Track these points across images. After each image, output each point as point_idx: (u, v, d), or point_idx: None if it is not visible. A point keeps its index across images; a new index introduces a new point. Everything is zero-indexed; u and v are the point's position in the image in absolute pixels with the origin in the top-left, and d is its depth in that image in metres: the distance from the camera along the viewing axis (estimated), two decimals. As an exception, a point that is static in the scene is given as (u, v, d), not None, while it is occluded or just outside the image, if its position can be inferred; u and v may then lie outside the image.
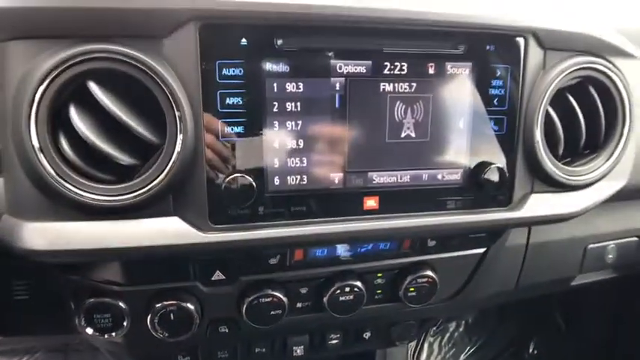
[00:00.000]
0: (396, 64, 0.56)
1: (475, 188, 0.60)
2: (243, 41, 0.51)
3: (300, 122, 0.54)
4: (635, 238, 0.83)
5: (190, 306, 0.63)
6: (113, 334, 0.64)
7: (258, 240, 0.54)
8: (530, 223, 0.66)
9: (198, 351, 0.74)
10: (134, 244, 0.51)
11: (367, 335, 0.80)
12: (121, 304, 0.62)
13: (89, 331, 0.63)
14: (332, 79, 0.54)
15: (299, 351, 0.77)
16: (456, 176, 0.60)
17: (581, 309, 1.33)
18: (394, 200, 0.58)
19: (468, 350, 1.45)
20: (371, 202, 0.58)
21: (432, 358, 1.42)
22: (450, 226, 0.60)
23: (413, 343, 1.36)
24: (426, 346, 1.42)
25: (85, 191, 0.48)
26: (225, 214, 0.53)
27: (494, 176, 0.60)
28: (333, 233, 0.56)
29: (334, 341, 0.78)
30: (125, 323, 0.63)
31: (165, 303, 0.62)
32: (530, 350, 1.42)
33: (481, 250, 0.73)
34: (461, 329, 1.45)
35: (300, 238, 0.56)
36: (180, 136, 0.49)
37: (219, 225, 0.53)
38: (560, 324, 1.39)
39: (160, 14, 0.48)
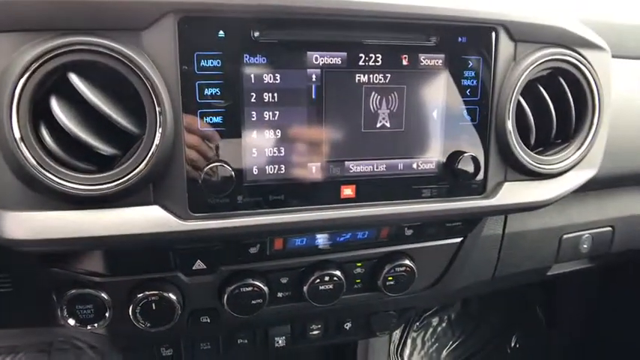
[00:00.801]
0: (371, 55, 0.57)
1: (449, 177, 0.62)
2: (221, 33, 0.52)
3: (277, 113, 0.55)
4: (609, 228, 0.85)
5: (172, 296, 0.64)
6: (95, 324, 0.65)
7: (237, 228, 0.55)
8: (504, 211, 0.68)
9: (180, 343, 0.75)
10: (115, 233, 0.52)
11: (348, 326, 0.81)
12: (102, 294, 0.63)
13: (71, 322, 0.64)
14: (308, 70, 0.55)
15: (280, 342, 0.78)
16: (430, 165, 0.61)
17: (561, 303, 1.35)
18: (371, 189, 0.60)
19: (451, 345, 1.47)
20: (348, 191, 0.59)
21: (416, 353, 1.44)
22: (426, 213, 0.62)
23: (396, 338, 1.37)
24: (409, 341, 1.44)
25: (65, 181, 0.49)
26: (205, 203, 0.54)
27: (467, 165, 0.62)
28: (310, 221, 0.58)
29: (315, 332, 0.79)
30: (107, 314, 0.64)
31: (147, 293, 0.63)
32: (513, 344, 1.45)
33: (457, 240, 0.74)
34: (444, 324, 1.47)
35: (278, 226, 0.57)
36: (159, 127, 0.50)
37: (198, 214, 0.54)
38: (540, 318, 1.42)
39: (140, 7, 0.49)
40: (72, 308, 0.64)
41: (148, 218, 0.53)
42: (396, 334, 1.34)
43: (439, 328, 1.47)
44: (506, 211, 0.68)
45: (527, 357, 1.39)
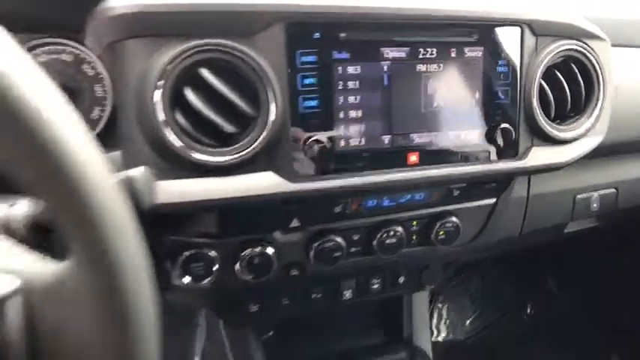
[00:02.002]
0: (427, 49, 0.73)
1: (490, 144, 0.78)
2: (316, 35, 0.68)
3: (358, 97, 0.71)
4: (614, 190, 1.01)
5: (270, 252, 0.78)
6: (205, 281, 0.79)
7: (329, 188, 0.70)
8: (532, 171, 0.83)
9: (264, 299, 0.90)
10: (239, 194, 0.67)
11: (402, 280, 0.96)
12: (212, 253, 0.77)
13: (185, 280, 0.78)
14: (381, 62, 0.71)
15: (347, 294, 0.93)
16: (474, 135, 0.77)
17: (569, 270, 1.51)
18: (430, 155, 0.75)
19: (472, 315, 1.63)
20: (413, 158, 0.75)
21: (442, 323, 1.60)
22: (473, 174, 0.77)
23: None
24: (435, 312, 1.60)
25: (199, 153, 0.64)
26: (307, 168, 0.70)
27: (503, 134, 0.77)
28: (386, 182, 0.73)
29: (375, 285, 0.95)
30: (215, 269, 0.78)
31: (252, 250, 0.78)
32: (528, 311, 1.60)
33: (492, 201, 0.90)
34: (465, 298, 1.63)
35: (361, 186, 0.72)
36: (271, 110, 0.66)
37: (301, 177, 0.69)
38: (551, 286, 1.57)
39: (255, 16, 0.65)
40: (185, 268, 0.78)
41: (264, 182, 0.68)
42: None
43: (461, 301, 1.62)
44: (534, 171, 0.83)
45: (542, 323, 1.54)
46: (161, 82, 0.62)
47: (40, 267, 0.40)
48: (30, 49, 0.77)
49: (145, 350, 0.39)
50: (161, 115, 0.62)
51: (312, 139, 0.69)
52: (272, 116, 0.66)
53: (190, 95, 0.63)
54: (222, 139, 0.66)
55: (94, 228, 0.36)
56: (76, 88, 0.80)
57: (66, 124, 0.36)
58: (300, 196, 0.70)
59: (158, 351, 0.41)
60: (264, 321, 0.92)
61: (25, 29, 0.76)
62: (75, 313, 0.38)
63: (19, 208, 0.50)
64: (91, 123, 0.81)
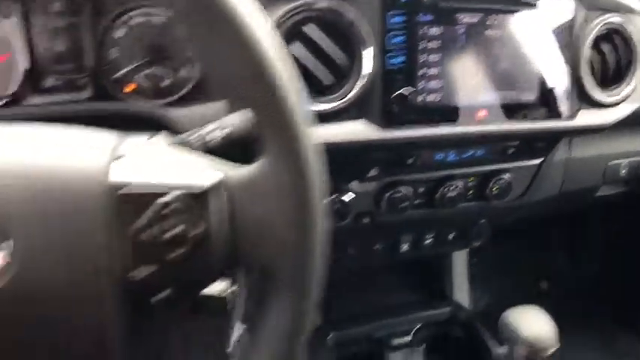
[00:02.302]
0: (496, 16, 0.82)
1: (545, 104, 0.87)
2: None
3: (437, 56, 0.79)
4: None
5: (347, 199, 0.86)
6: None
7: (414, 137, 0.79)
8: (580, 130, 0.93)
9: (334, 248, 0.97)
10: (337, 140, 0.75)
11: (451, 236, 1.05)
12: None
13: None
14: (457, 26, 0.80)
15: (405, 247, 1.01)
16: (533, 96, 0.86)
17: (581, 245, 1.61)
18: (495, 112, 0.84)
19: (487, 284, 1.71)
20: (481, 113, 0.83)
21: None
22: (530, 130, 0.86)
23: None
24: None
25: None
26: (395, 118, 0.78)
27: (557, 96, 0.87)
28: (457, 134, 0.82)
29: (428, 241, 1.03)
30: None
31: (331, 197, 0.85)
32: (543, 287, 1.69)
33: (539, 161, 0.99)
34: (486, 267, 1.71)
35: (438, 136, 0.81)
36: (365, 65, 0.74)
37: (390, 126, 0.77)
38: (564, 261, 1.67)
39: None
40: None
41: (357, 129, 0.76)
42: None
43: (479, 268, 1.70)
44: (582, 130, 0.92)
45: (557, 296, 1.63)
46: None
47: (236, 169, 0.47)
48: (126, 11, 0.84)
49: (319, 235, 0.47)
50: None
51: (399, 92, 0.77)
52: (365, 70, 0.74)
53: (297, 50, 0.71)
54: (321, 91, 0.74)
55: (289, 127, 0.43)
56: (165, 49, 0.86)
57: (266, 34, 0.43)
58: (386, 143, 0.78)
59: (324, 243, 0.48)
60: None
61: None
62: (269, 206, 0.44)
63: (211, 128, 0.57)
64: (180, 81, 0.88)
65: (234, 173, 0.45)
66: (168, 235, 0.41)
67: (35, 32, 0.79)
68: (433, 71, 0.79)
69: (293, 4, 0.70)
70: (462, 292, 1.21)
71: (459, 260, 1.22)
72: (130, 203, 0.41)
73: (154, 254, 0.42)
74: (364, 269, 1.16)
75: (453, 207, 0.93)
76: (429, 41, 0.78)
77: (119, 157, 0.43)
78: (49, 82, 0.81)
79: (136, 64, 0.84)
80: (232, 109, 0.47)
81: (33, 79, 0.80)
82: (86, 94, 0.81)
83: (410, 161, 0.87)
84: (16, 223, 0.38)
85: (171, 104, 0.82)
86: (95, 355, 0.42)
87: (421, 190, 0.92)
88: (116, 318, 0.41)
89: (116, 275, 0.41)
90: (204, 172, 0.44)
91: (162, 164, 0.44)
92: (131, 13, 0.83)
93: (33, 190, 0.39)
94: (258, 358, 0.47)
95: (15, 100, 0.79)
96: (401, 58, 0.77)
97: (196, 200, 0.43)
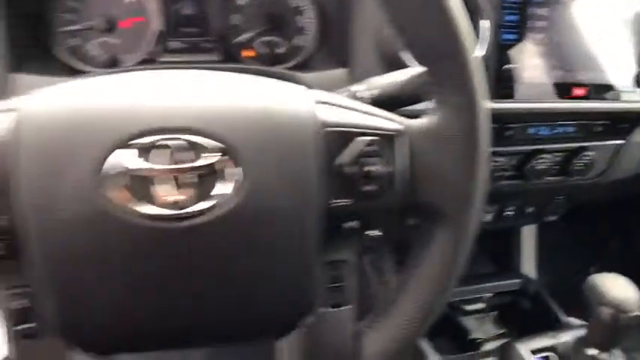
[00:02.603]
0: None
1: (635, 86, 0.92)
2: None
3: (543, 34, 0.84)
4: None
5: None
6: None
7: (519, 109, 0.84)
8: None
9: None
10: None
11: (530, 210, 1.10)
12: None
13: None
14: (561, 6, 0.85)
15: (488, 217, 1.07)
16: (623, 77, 0.91)
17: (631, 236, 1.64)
18: (590, 90, 0.89)
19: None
20: (579, 91, 0.88)
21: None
22: (618, 109, 0.91)
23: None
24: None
25: None
26: (501, 91, 0.83)
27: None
28: (555, 108, 0.87)
29: (509, 213, 1.08)
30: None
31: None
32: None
33: (621, 141, 1.04)
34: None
35: (536, 109, 0.86)
36: (483, 35, 0.79)
37: (498, 97, 0.83)
38: (614, 250, 1.69)
39: None
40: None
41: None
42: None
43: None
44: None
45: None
46: None
47: (414, 120, 0.52)
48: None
49: (483, 182, 0.52)
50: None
51: (507, 66, 0.82)
52: (483, 41, 0.79)
53: None
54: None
55: (470, 86, 0.49)
56: (280, 18, 0.92)
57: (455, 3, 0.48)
58: (493, 114, 0.83)
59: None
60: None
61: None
62: (444, 153, 0.50)
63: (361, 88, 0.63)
64: (293, 49, 0.94)
65: (414, 123, 0.51)
66: (364, 170, 0.47)
67: (167, -3, 0.86)
68: (538, 49, 0.84)
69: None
70: (529, 266, 1.26)
71: (529, 234, 1.28)
72: (336, 140, 0.47)
73: (351, 187, 0.48)
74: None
75: (539, 179, 0.98)
76: (537, 20, 0.83)
77: (320, 102, 0.49)
78: (176, 44, 0.87)
79: (255, 31, 0.90)
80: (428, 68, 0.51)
81: (163, 41, 0.86)
82: (215, 56, 0.88)
83: (508, 133, 0.93)
84: (244, 154, 0.44)
85: (292, 69, 0.88)
86: (296, 260, 0.48)
87: (513, 162, 0.97)
88: (315, 235, 0.48)
89: (320, 201, 0.47)
90: (392, 120, 0.51)
91: (355, 109, 0.50)
92: (254, -18, 0.89)
93: (256, 127, 0.45)
94: (419, 289, 0.54)
95: (151, 59, 0.85)
96: (513, 35, 0.82)
97: (389, 142, 0.49)
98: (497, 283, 1.20)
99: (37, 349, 0.48)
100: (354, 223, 0.50)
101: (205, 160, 0.43)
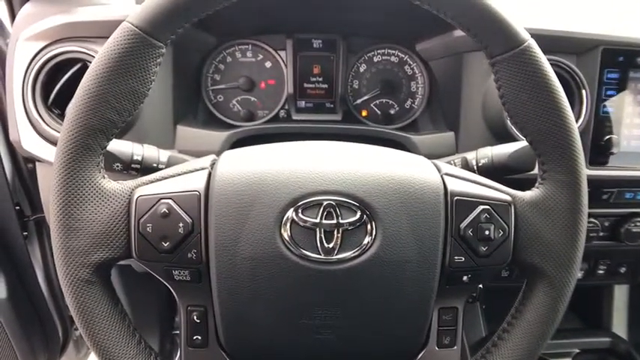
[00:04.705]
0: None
1: None
2: (620, 58, 0.88)
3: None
4: None
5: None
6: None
7: (617, 176, 0.90)
8: None
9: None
10: None
11: (622, 270, 1.13)
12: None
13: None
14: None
15: (579, 274, 1.11)
16: None
17: None
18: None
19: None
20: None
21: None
22: None
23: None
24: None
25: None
26: (600, 158, 0.89)
27: None
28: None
29: (601, 271, 1.12)
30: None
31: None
32: None
33: None
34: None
35: (634, 178, 0.91)
36: (584, 110, 0.87)
37: (596, 164, 0.89)
38: None
39: (585, 41, 0.86)
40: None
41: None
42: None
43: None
44: None
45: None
46: None
47: (519, 191, 0.61)
48: (372, 50, 1.03)
49: (582, 248, 0.60)
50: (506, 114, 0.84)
51: (608, 137, 0.89)
52: (583, 115, 0.87)
53: None
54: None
55: (577, 163, 0.57)
56: (397, 83, 1.04)
57: (559, 87, 0.57)
58: (590, 179, 0.89)
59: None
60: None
61: (374, 38, 1.01)
62: (548, 221, 0.58)
63: (470, 157, 0.72)
64: (404, 111, 1.05)
65: (522, 195, 0.60)
66: (482, 234, 0.57)
67: (299, 63, 1.00)
68: (636, 121, 0.91)
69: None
70: (620, 324, 1.28)
71: (621, 293, 1.30)
72: (461, 207, 0.57)
73: (469, 247, 0.57)
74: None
75: (634, 242, 1.02)
76: (636, 95, 0.90)
77: (447, 175, 0.59)
78: (304, 104, 1.01)
79: (371, 94, 1.02)
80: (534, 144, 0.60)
81: (294, 101, 1.00)
82: (337, 116, 1.00)
83: (604, 197, 0.98)
84: (384, 216, 0.54)
85: (402, 129, 0.99)
86: (417, 304, 0.58)
87: (607, 223, 1.02)
88: (435, 284, 0.57)
89: (442, 257, 0.57)
90: (504, 191, 0.60)
91: (475, 182, 0.60)
92: (375, 52, 1.01)
93: (395, 193, 0.55)
94: (517, 340, 0.61)
95: (288, 116, 0.99)
96: (612, 108, 0.89)
97: (501, 211, 0.58)
98: (585, 340, 1.23)
99: (201, 358, 0.60)
100: (466, 277, 0.59)
101: (352, 217, 0.54)
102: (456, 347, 0.62)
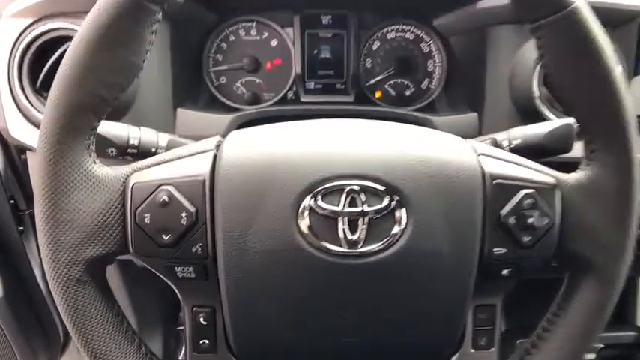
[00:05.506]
0: None
1: None
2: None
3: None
4: None
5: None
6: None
7: None
8: None
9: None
10: None
11: None
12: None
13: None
14: None
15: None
16: None
17: None
18: None
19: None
20: None
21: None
22: None
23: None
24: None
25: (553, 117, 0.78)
26: None
27: None
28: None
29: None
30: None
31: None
32: None
33: None
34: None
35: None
36: None
37: None
38: None
39: (620, 13, 0.79)
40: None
41: None
42: None
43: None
44: None
45: None
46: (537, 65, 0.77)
47: (564, 174, 0.54)
48: (385, 26, 0.96)
49: (634, 237, 0.53)
50: (536, 91, 0.77)
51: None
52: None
53: None
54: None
55: (629, 143, 0.50)
56: (412, 62, 0.97)
57: (617, 69, 0.50)
58: None
59: None
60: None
61: (387, 12, 0.94)
62: (595, 207, 0.51)
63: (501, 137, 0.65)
64: (420, 92, 0.98)
65: (567, 177, 0.53)
66: (525, 222, 0.50)
67: (307, 41, 0.93)
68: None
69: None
70: (647, 318, 1.22)
71: (645, 286, 1.23)
72: (501, 192, 0.50)
73: (510, 237, 0.50)
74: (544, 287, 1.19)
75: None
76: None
77: (483, 155, 0.52)
78: (313, 85, 0.94)
79: (385, 74, 0.95)
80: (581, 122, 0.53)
81: (302, 82, 0.93)
82: (348, 97, 0.93)
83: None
84: (415, 202, 0.48)
85: (419, 111, 0.92)
86: (451, 301, 0.51)
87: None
88: (471, 279, 0.51)
89: (480, 249, 0.50)
90: (547, 174, 0.53)
91: (515, 163, 0.53)
92: (389, 28, 0.94)
93: (427, 176, 0.48)
94: (564, 337, 0.55)
95: (296, 98, 0.93)
96: (648, 86, 0.82)
97: (546, 196, 0.51)
98: (610, 334, 1.16)
99: None
100: (506, 271, 0.52)
101: (379, 205, 0.47)
102: (493, 349, 0.56)
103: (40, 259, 1.07)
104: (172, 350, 1.35)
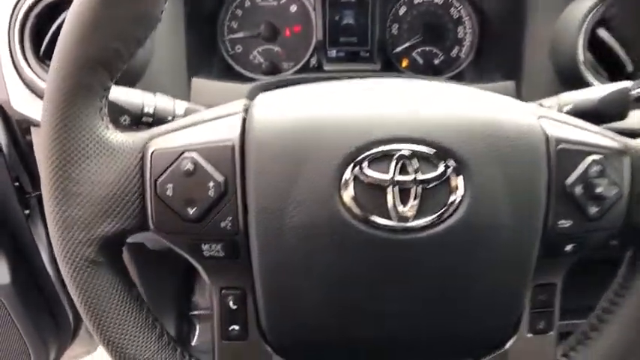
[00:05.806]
0: None
1: None
2: None
3: None
4: None
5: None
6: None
7: None
8: None
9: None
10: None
11: None
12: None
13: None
14: None
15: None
16: None
17: None
18: None
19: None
20: None
21: None
22: None
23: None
24: None
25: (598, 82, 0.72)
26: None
27: None
28: None
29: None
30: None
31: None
32: None
33: None
34: None
35: None
36: None
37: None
38: None
39: None
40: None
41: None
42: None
43: None
44: None
45: None
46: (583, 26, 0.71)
47: (634, 140, 0.48)
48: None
49: None
50: (581, 56, 0.71)
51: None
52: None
53: (605, 35, 0.71)
54: (618, 76, 0.74)
55: None
56: (441, 28, 0.91)
57: None
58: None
59: None
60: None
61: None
62: None
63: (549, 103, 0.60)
64: (450, 60, 0.92)
65: (634, 143, 0.47)
66: (593, 191, 0.44)
67: (329, 5, 0.86)
68: None
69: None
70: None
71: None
72: (567, 158, 0.44)
73: (576, 208, 0.45)
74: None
75: None
76: None
77: (543, 117, 0.46)
78: (336, 53, 0.87)
79: (412, 41, 0.88)
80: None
81: (323, 50, 0.87)
82: (374, 65, 0.87)
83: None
84: (469, 164, 0.42)
85: (450, 80, 0.86)
86: (509, 281, 0.46)
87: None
88: (533, 256, 0.45)
89: (543, 222, 0.44)
90: (614, 139, 0.47)
91: (580, 127, 0.47)
92: (417, -10, 0.88)
93: (485, 140, 0.43)
94: (626, 320, 0.49)
95: (319, 66, 0.86)
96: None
97: (615, 162, 0.45)
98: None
99: (240, 352, 0.48)
100: (570, 247, 0.47)
101: (434, 172, 0.41)
102: (552, 333, 0.50)
103: (48, 242, 1.03)
104: (185, 336, 1.31)
